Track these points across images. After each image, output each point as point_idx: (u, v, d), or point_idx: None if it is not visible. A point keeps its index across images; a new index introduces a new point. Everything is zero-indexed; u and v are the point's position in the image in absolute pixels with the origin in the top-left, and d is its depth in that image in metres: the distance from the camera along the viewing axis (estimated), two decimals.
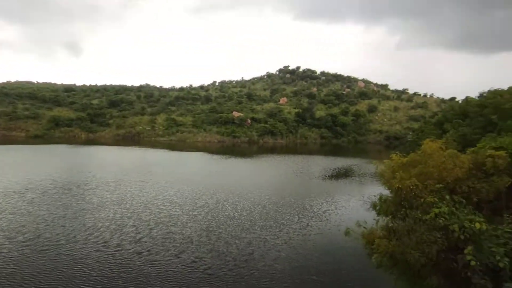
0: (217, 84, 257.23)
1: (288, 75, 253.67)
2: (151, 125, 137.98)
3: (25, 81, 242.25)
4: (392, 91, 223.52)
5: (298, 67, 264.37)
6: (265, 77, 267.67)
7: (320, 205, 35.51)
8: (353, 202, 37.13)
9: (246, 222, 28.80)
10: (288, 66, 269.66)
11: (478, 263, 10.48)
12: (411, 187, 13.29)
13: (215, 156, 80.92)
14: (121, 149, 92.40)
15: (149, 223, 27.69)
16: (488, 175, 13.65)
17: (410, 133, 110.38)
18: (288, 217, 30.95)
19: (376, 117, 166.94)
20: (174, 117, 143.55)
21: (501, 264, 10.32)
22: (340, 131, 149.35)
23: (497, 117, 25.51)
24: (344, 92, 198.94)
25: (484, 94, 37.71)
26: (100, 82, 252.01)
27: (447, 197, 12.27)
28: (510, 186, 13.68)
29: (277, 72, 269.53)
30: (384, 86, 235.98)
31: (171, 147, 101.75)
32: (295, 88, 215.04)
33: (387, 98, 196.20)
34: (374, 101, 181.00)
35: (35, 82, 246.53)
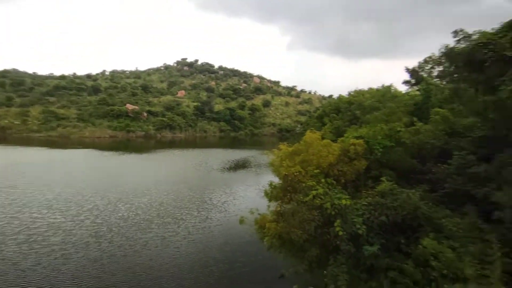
0: (107, 73, 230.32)
1: (186, 68, 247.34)
2: (21, 118, 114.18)
3: None
4: (284, 87, 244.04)
5: (196, 60, 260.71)
6: (162, 68, 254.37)
7: (219, 197, 36.39)
8: (250, 192, 39.34)
9: (142, 222, 27.23)
10: (186, 58, 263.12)
11: (344, 232, 12.72)
12: (295, 174, 15.04)
13: (106, 153, 73.01)
14: None
15: (18, 236, 23.23)
16: (351, 160, 16.66)
17: (299, 125, 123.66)
18: (187, 212, 30.66)
19: (270, 111, 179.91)
20: (53, 110, 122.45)
21: (360, 231, 12.78)
22: (238, 125, 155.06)
23: (360, 112, 31.13)
24: (241, 87, 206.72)
25: (352, 93, 45.42)
26: None
27: (323, 180, 14.41)
28: (367, 168, 17.02)
29: (175, 64, 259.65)
30: (277, 83, 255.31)
31: (51, 144, 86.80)
32: (193, 81, 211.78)
33: (279, 94, 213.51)
34: (268, 96, 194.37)
35: None
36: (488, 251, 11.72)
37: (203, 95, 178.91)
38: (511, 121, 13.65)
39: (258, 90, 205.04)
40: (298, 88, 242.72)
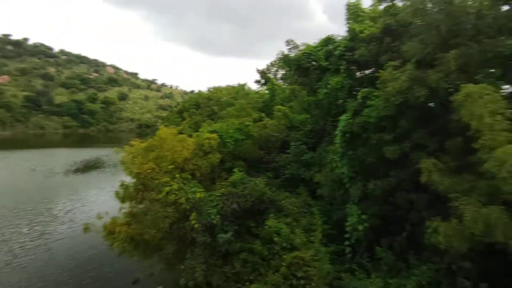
0: None
1: (10, 47, 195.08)
2: None
3: None
4: (143, 80, 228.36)
5: (26, 39, 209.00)
6: None
7: (62, 206, 30.89)
8: (103, 195, 35.04)
9: None
10: (10, 35, 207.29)
11: (200, 224, 13.08)
12: (148, 171, 14.33)
13: None
14: None
15: None
16: (206, 154, 17.26)
17: (160, 121, 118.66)
18: (12, 230, 24.47)
19: (128, 105, 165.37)
20: None
21: (214, 221, 13.44)
22: (88, 120, 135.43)
23: (218, 108, 32.73)
24: (91, 77, 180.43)
25: (211, 89, 47.12)
26: None
27: (177, 175, 14.31)
28: (221, 160, 18.06)
29: None
30: (135, 75, 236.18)
31: None
32: (22, 65, 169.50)
33: (138, 86, 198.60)
34: (125, 89, 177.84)
35: None
36: (313, 222, 14.59)
37: (38, 83, 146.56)
38: (326, 117, 17.31)
39: (113, 81, 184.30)
40: (159, 82, 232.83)
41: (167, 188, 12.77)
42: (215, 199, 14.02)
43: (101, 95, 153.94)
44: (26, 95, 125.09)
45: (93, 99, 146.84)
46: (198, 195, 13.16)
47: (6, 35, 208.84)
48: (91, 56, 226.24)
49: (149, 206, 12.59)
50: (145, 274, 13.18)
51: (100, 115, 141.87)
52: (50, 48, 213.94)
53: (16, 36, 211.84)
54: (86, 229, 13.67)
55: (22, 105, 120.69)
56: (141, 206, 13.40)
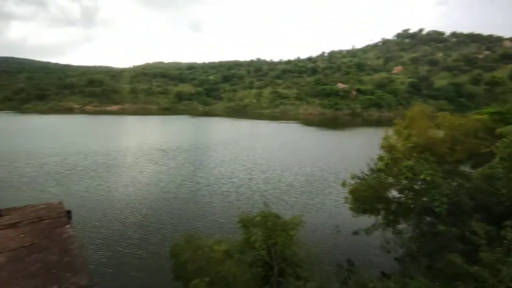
0: (325, 54, 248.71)
1: (407, 40, 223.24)
2: (257, 98, 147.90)
3: (158, 62, 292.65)
4: None
5: (420, 30, 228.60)
6: (380, 44, 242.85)
7: None
8: None
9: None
10: (409, 29, 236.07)
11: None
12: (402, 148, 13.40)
13: (314, 128, 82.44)
14: (232, 121, 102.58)
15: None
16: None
17: None
18: None
19: None
20: (278, 90, 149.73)
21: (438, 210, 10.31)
22: (465, 103, 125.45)
23: None
24: (480, 56, 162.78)
25: None
26: (217, 59, 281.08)
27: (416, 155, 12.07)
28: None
29: (395, 37, 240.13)
30: None
31: (274, 118, 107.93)
32: (414, 55, 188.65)
33: None
34: None
35: (166, 62, 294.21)
36: None
37: (423, 69, 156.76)
38: None
39: (507, 57, 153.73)
40: None
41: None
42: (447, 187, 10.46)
43: (486, 76, 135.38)
44: (410, 81, 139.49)
45: (476, 81, 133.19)
46: (423, 176, 10.64)
47: (406, 30, 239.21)
48: (486, 32, 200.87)
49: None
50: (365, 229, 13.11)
51: (481, 99, 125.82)
52: (441, 34, 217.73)
53: (413, 29, 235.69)
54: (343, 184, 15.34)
55: (405, 91, 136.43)
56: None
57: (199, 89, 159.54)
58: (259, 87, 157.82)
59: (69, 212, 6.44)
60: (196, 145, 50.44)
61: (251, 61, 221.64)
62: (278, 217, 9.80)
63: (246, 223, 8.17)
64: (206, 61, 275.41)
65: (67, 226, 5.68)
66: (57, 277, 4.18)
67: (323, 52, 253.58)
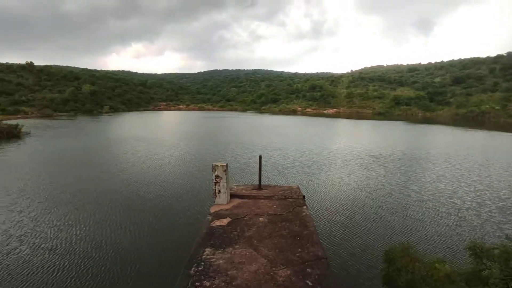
0: None
1: None
2: (502, 104, 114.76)
3: (377, 65, 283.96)
4: None
5: None
6: None
7: None
8: None
9: None
10: None
11: None
12: None
13: None
14: (460, 131, 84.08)
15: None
16: None
17: None
18: None
19: None
20: None
21: None
22: None
23: None
24: None
25: None
26: (446, 58, 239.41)
27: None
28: None
29: None
30: None
31: None
32: None
33: None
34: None
35: (385, 65, 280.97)
36: None
37: None
38: None
39: None
40: None
41: None
42: None
43: None
44: None
45: None
46: None
47: None
48: None
49: None
50: None
51: None
52: None
53: None
54: None
55: None
56: None
57: (421, 93, 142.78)
58: (507, 90, 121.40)
59: (303, 196, 8.03)
60: (411, 155, 46.01)
61: (498, 57, 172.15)
62: None
63: (478, 253, 6.88)
64: (432, 61, 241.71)
65: (304, 207, 7.16)
66: (300, 243, 5.48)
67: None
